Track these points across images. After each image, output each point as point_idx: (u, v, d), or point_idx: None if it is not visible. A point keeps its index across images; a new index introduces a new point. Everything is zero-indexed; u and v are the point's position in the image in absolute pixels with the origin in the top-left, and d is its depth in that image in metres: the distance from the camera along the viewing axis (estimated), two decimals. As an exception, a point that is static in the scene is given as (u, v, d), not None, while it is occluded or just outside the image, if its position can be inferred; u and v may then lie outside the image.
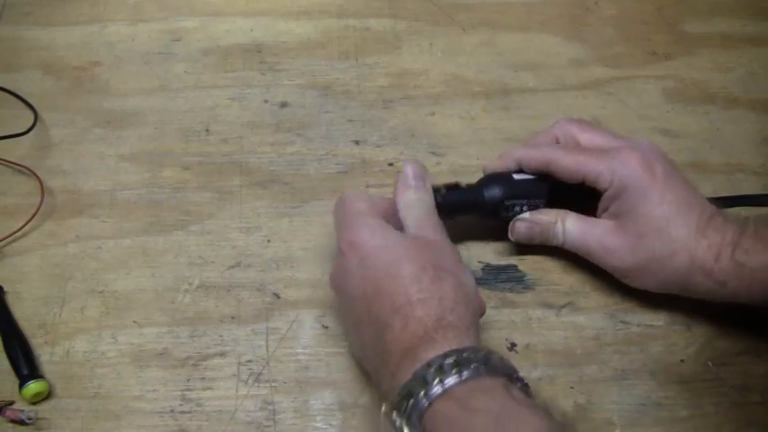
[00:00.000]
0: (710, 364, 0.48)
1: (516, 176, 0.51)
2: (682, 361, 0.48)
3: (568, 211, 0.50)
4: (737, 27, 0.68)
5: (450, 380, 0.36)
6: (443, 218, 0.49)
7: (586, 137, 0.51)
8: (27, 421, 0.44)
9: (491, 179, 0.51)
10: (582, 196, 0.50)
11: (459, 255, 0.44)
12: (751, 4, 0.70)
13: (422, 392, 0.36)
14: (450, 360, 0.37)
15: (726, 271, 0.45)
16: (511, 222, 0.51)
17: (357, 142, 0.59)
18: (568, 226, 0.49)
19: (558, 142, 0.52)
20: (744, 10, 0.69)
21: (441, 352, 0.37)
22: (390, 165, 0.57)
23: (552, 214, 0.50)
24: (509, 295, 0.51)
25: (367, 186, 0.56)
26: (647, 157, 0.47)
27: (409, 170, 0.48)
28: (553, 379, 0.47)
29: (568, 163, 0.49)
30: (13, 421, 0.44)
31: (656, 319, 0.50)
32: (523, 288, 0.51)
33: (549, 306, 0.51)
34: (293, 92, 0.62)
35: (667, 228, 0.46)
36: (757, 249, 0.44)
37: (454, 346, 0.38)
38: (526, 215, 0.50)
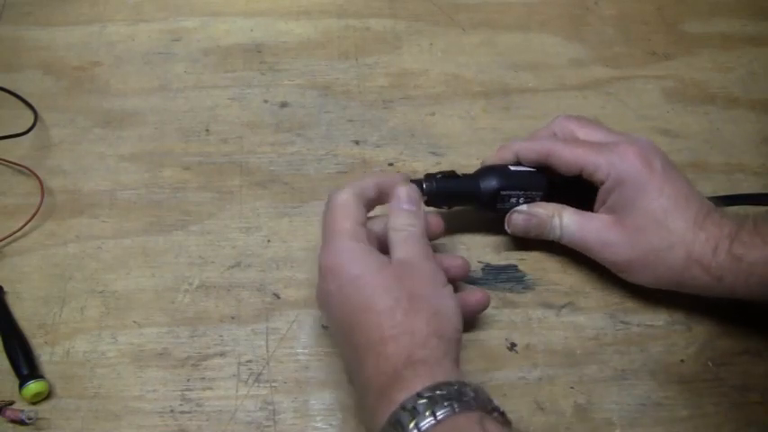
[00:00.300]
0: (710, 364, 0.48)
1: (513, 168, 0.51)
2: (682, 361, 0.48)
3: (565, 206, 0.50)
4: (737, 27, 0.68)
5: (425, 423, 0.36)
6: (437, 205, 0.50)
7: (584, 132, 0.51)
8: (27, 421, 0.44)
9: (488, 170, 0.51)
10: (579, 191, 0.50)
11: (442, 276, 0.44)
12: (751, 4, 0.70)
13: None
14: (422, 401, 0.36)
15: (723, 265, 0.45)
16: (508, 214, 0.51)
17: (357, 142, 0.59)
18: (565, 220, 0.49)
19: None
20: (744, 10, 0.69)
21: (413, 392, 0.37)
22: (390, 165, 0.57)
23: (549, 208, 0.50)
24: (509, 295, 0.51)
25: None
26: (645, 152, 0.48)
27: (403, 193, 0.46)
28: (553, 379, 0.47)
29: (567, 155, 0.49)
30: (13, 421, 0.44)
31: (656, 319, 0.50)
32: (523, 288, 0.51)
33: (549, 306, 0.51)
34: (293, 92, 0.62)
35: (665, 221, 0.46)
36: (755, 244, 0.44)
37: (426, 383, 0.37)
38: (523, 207, 0.50)
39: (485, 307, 0.48)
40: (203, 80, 0.62)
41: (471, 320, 0.49)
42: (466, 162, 0.57)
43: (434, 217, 0.48)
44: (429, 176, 0.50)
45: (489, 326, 0.49)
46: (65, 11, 0.67)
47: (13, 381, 0.46)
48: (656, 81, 0.64)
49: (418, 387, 0.37)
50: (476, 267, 0.52)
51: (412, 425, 0.36)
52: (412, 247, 0.44)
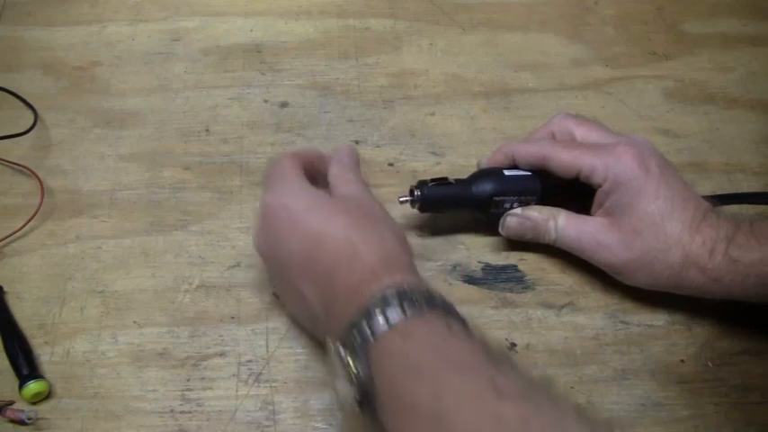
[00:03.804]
0: (710, 364, 0.48)
1: (507, 173, 0.51)
2: (682, 361, 0.48)
3: (560, 209, 0.50)
4: (737, 27, 0.68)
5: (394, 314, 0.37)
6: (430, 211, 0.51)
7: (582, 131, 0.51)
8: (27, 421, 0.44)
9: (481, 174, 0.51)
10: (574, 194, 0.50)
11: (384, 209, 0.46)
12: (751, 4, 0.70)
13: (365, 324, 0.37)
14: (392, 291, 0.37)
15: (720, 267, 0.45)
16: (502, 217, 0.51)
17: (357, 142, 0.59)
18: (561, 223, 0.49)
19: (554, 138, 0.52)
20: (744, 10, 0.69)
21: (383, 285, 0.38)
22: (390, 165, 0.57)
23: (545, 211, 0.50)
24: (509, 295, 0.51)
25: (367, 186, 0.56)
26: (643, 154, 0.48)
27: (345, 149, 0.50)
28: (553, 379, 0.47)
29: (564, 157, 0.49)
30: (13, 421, 0.44)
31: (656, 319, 0.50)
32: (523, 288, 0.51)
33: (549, 306, 0.51)
34: (293, 92, 0.62)
35: (662, 223, 0.46)
36: (751, 246, 0.44)
37: (398, 281, 0.39)
38: (518, 210, 0.51)
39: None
40: (203, 80, 0.62)
41: (471, 320, 0.49)
42: (465, 162, 0.57)
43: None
44: (421, 183, 0.50)
45: (489, 326, 0.49)
46: (65, 11, 0.67)
47: (13, 381, 0.46)
48: (656, 81, 0.64)
49: (389, 282, 0.39)
50: (476, 267, 0.52)
51: (379, 312, 0.37)
52: (354, 186, 0.47)
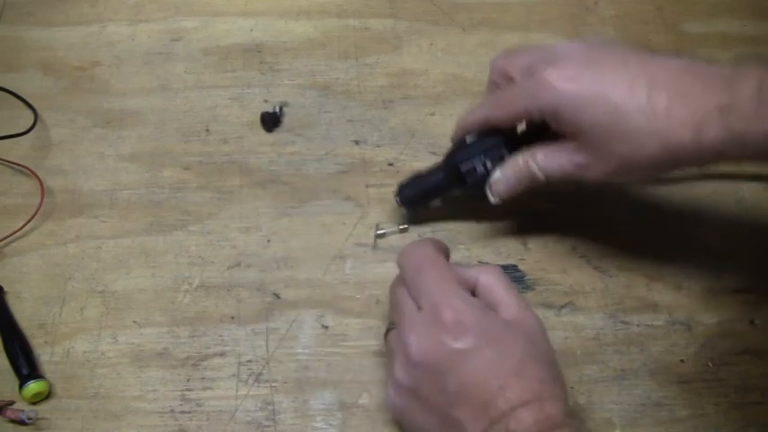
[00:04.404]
0: (710, 364, 0.48)
1: (467, 138, 0.50)
2: (682, 361, 0.48)
3: (535, 146, 0.48)
4: (737, 27, 0.68)
5: None
6: (416, 207, 0.52)
7: (513, 65, 0.48)
8: (27, 421, 0.44)
9: (446, 154, 0.52)
10: (538, 128, 0.48)
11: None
12: (751, 4, 0.70)
13: None
14: None
15: (715, 147, 0.39)
16: (486, 188, 0.50)
17: (357, 142, 0.59)
18: (539, 160, 0.47)
19: (497, 88, 0.50)
20: (744, 10, 0.69)
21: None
22: (390, 165, 0.57)
23: (519, 159, 0.48)
24: (509, 295, 0.51)
25: (367, 186, 0.56)
26: (563, 67, 0.44)
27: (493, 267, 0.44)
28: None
29: (499, 114, 0.48)
30: (13, 421, 0.44)
31: (656, 319, 0.50)
32: (523, 288, 0.51)
33: (549, 306, 0.51)
34: (293, 92, 0.62)
35: (618, 124, 0.42)
36: (763, 115, 0.36)
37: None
38: (497, 174, 0.49)
39: None
40: (203, 80, 0.62)
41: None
42: (466, 162, 0.57)
43: None
44: (399, 187, 0.52)
45: (489, 326, 0.49)
46: (65, 11, 0.67)
47: (13, 381, 0.46)
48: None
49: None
50: (476, 267, 0.52)
51: None
52: (528, 311, 0.42)
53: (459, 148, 0.51)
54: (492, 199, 0.50)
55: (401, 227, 0.52)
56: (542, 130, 0.48)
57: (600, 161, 0.44)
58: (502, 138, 0.49)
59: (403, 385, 0.40)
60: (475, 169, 0.50)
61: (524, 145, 0.48)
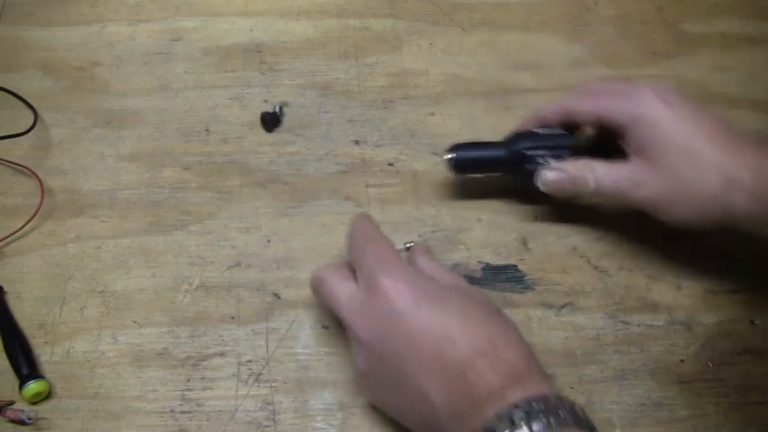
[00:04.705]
0: (710, 364, 0.48)
1: (538, 130, 0.52)
2: (682, 361, 0.48)
3: (596, 160, 0.50)
4: (737, 27, 0.68)
5: (537, 426, 0.35)
6: (464, 172, 0.53)
7: (603, 86, 0.51)
8: (27, 421, 0.44)
9: (514, 135, 0.53)
10: (605, 145, 0.50)
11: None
12: (751, 4, 0.70)
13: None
14: (540, 405, 0.36)
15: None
16: (538, 171, 0.51)
17: (357, 142, 0.59)
18: (599, 172, 0.49)
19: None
20: (744, 10, 0.69)
21: (529, 394, 0.37)
22: (390, 165, 0.57)
23: (580, 163, 0.50)
24: (509, 295, 0.51)
25: (367, 186, 0.56)
26: (665, 91, 0.48)
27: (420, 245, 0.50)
28: (553, 379, 0.47)
29: (586, 106, 0.49)
30: (13, 421, 0.44)
31: (656, 319, 0.50)
32: (523, 288, 0.51)
33: (549, 306, 0.51)
34: (293, 92, 0.62)
35: (689, 147, 0.45)
36: None
37: (542, 391, 0.37)
38: (554, 165, 0.51)
39: None
40: (203, 80, 0.62)
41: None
42: (466, 162, 0.57)
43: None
44: (454, 146, 0.53)
45: (489, 326, 0.49)
46: (65, 11, 0.67)
47: (13, 381, 0.46)
48: (656, 81, 0.64)
49: (533, 392, 0.37)
50: (476, 267, 0.52)
51: (523, 424, 0.35)
52: (460, 280, 0.46)
53: (529, 134, 0.52)
54: (539, 185, 0.51)
55: (407, 245, 0.50)
56: (600, 146, 0.50)
57: (657, 179, 0.47)
58: (572, 141, 0.51)
59: (363, 371, 0.42)
60: (537, 160, 0.51)
61: (586, 155, 0.50)
